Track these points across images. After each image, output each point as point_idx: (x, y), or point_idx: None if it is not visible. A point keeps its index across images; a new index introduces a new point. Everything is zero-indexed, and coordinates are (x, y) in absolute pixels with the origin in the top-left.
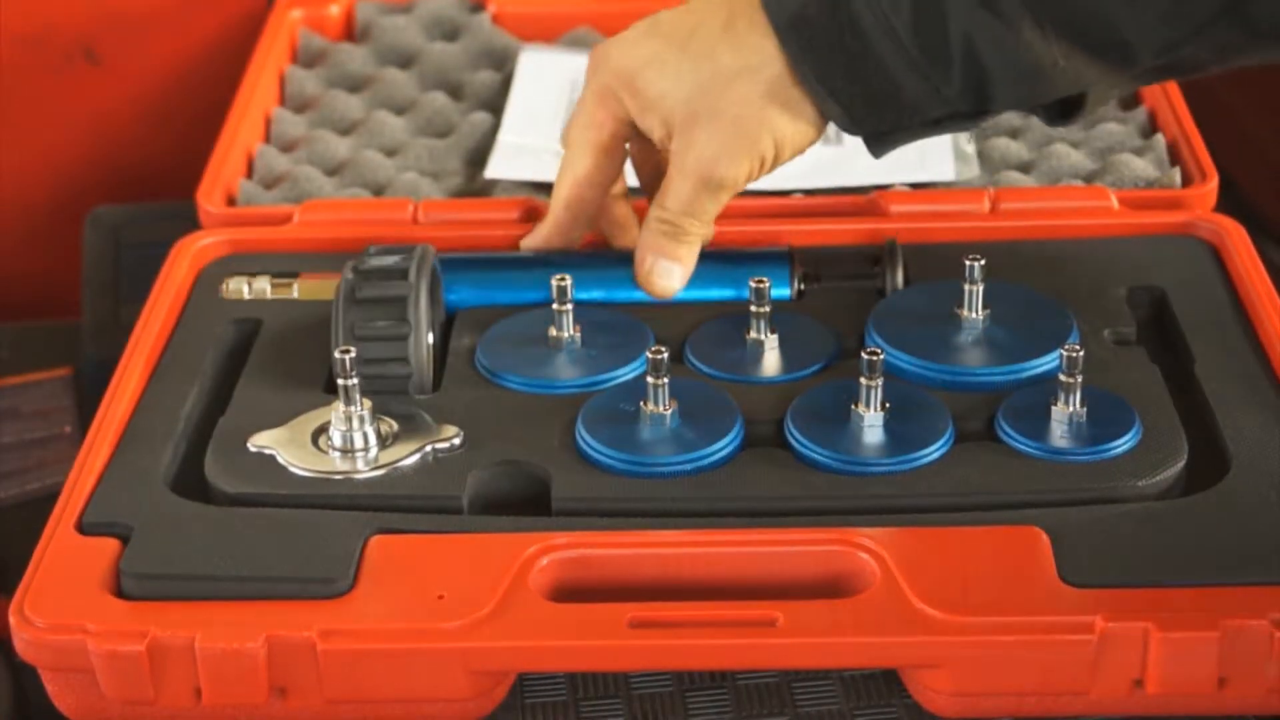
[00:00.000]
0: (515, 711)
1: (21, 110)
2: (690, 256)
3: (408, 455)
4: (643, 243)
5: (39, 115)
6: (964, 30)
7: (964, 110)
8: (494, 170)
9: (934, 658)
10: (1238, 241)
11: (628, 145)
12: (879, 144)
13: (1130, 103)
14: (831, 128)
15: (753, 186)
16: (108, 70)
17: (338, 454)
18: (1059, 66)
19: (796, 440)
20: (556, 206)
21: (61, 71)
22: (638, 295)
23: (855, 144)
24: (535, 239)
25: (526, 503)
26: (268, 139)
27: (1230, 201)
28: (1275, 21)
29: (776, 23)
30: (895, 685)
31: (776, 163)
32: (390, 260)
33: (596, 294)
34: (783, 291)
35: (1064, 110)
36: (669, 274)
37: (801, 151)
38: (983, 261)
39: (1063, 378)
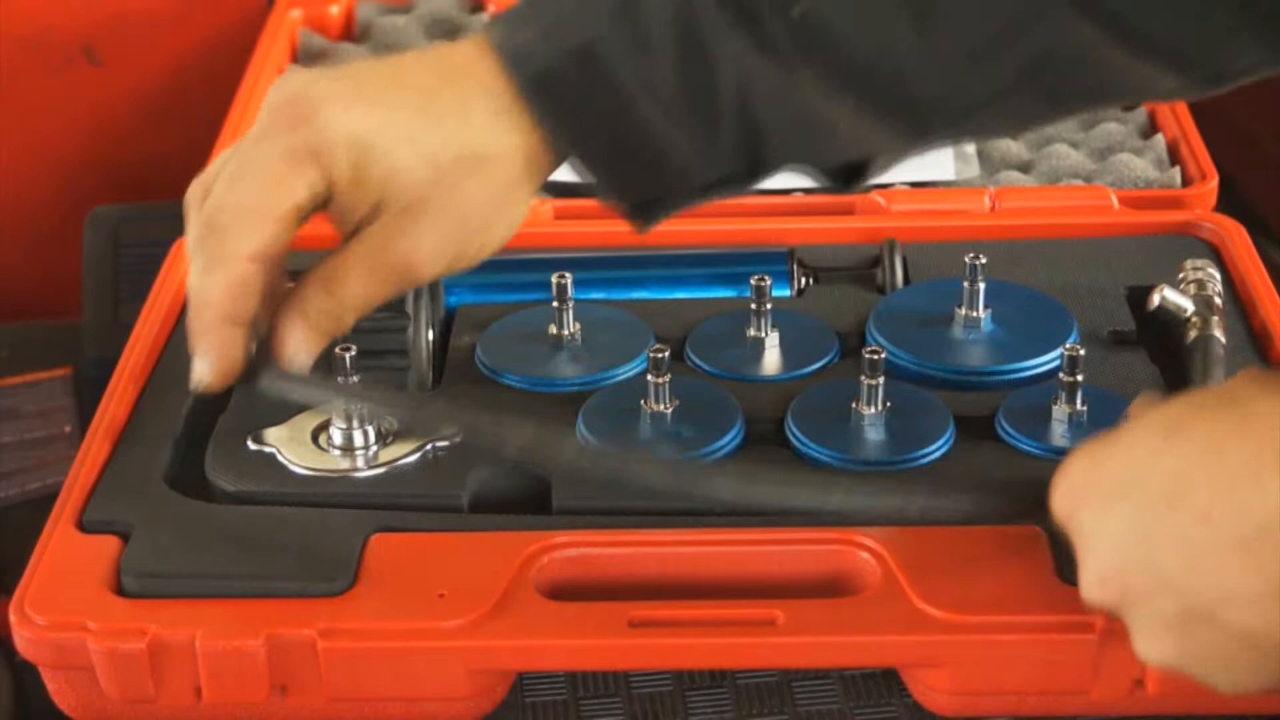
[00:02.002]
0: (515, 710)
1: (21, 110)
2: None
3: (408, 454)
4: (289, 325)
5: (39, 115)
6: (735, 81)
7: (738, 171)
8: None
9: (934, 657)
10: (1238, 241)
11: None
12: (645, 215)
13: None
14: None
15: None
16: (108, 70)
17: (338, 452)
18: (841, 126)
19: (797, 439)
20: (219, 302)
21: (61, 71)
22: (638, 293)
23: None
24: (204, 372)
25: (527, 501)
26: None
27: (1230, 201)
28: (1079, 89)
29: (521, 84)
30: (895, 685)
31: (481, 255)
32: None
33: (596, 292)
34: (783, 290)
35: (847, 175)
36: (309, 360)
37: (501, 245)
38: (983, 260)
39: (1063, 377)
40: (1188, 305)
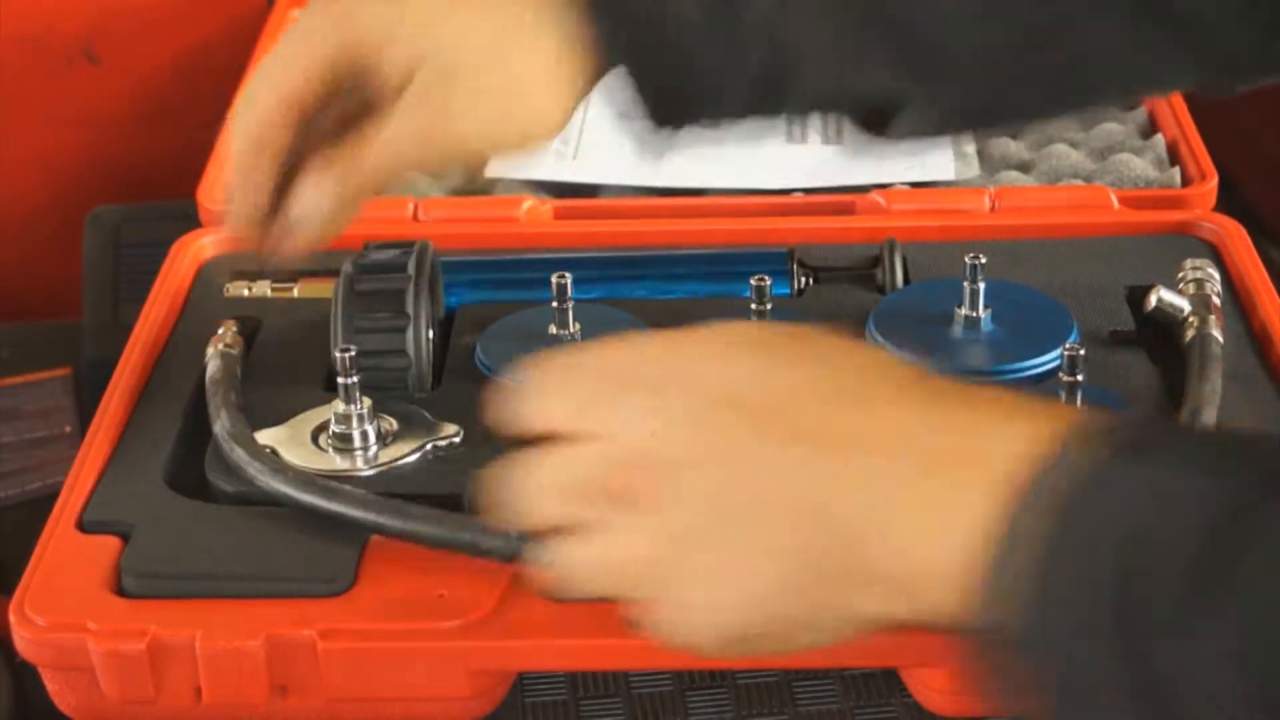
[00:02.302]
0: (515, 711)
1: (21, 110)
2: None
3: (408, 454)
4: (311, 170)
5: (39, 115)
6: (763, 10)
7: (765, 99)
8: (495, 169)
9: (933, 656)
10: (1237, 241)
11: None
12: (671, 118)
13: (1130, 102)
14: (831, 127)
15: (753, 185)
16: (108, 70)
17: (338, 453)
18: (864, 63)
19: None
20: (249, 131)
21: (61, 71)
22: (637, 293)
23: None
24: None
25: None
26: None
27: (1230, 201)
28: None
29: None
30: (895, 685)
31: (522, 143)
32: (389, 254)
33: (596, 292)
34: (783, 290)
35: (872, 120)
36: (313, 208)
37: (544, 139)
38: (983, 260)
39: (1063, 377)
40: (1184, 305)
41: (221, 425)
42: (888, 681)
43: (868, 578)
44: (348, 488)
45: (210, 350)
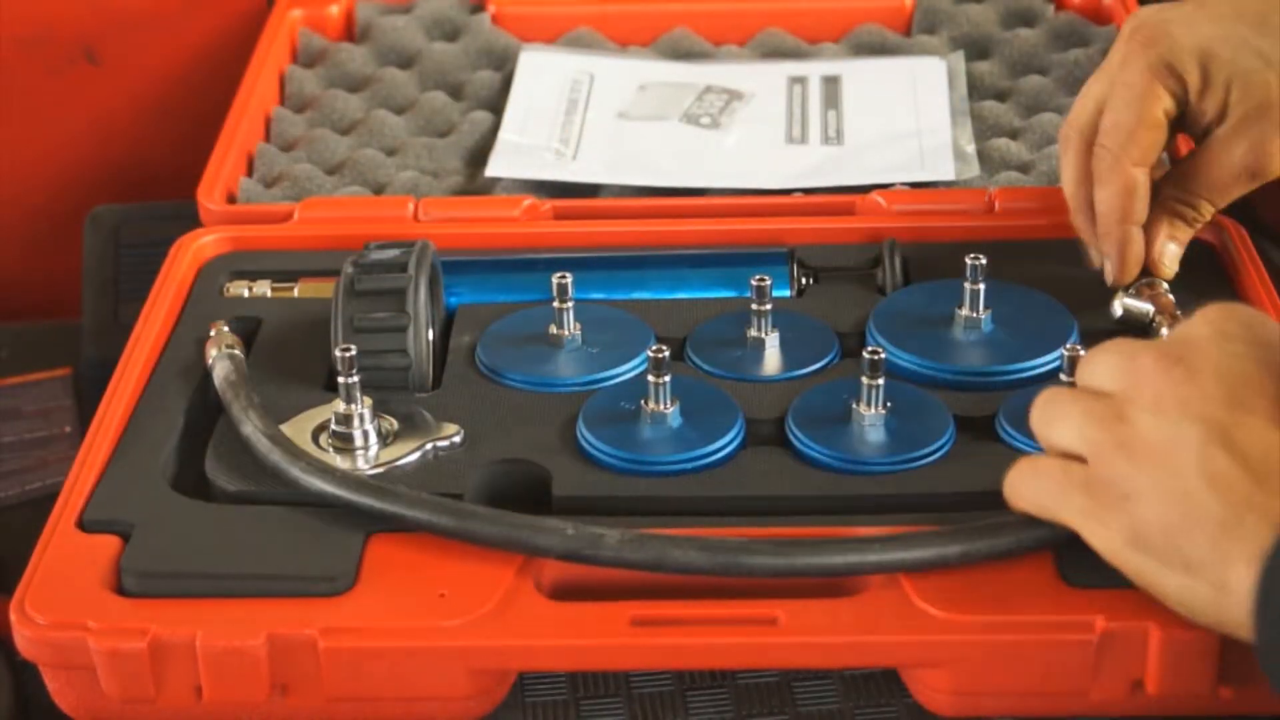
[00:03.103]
0: (515, 710)
1: (21, 110)
2: (1190, 236)
3: (408, 453)
4: (1154, 217)
5: (39, 115)
6: None
7: None
8: (494, 169)
9: (934, 657)
10: (1237, 241)
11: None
12: None
13: None
14: (831, 128)
15: (753, 185)
16: (108, 70)
17: (338, 452)
18: None
19: (797, 439)
20: (1117, 205)
21: (61, 72)
22: (638, 293)
23: (857, 144)
24: (1110, 270)
25: (527, 501)
26: (268, 138)
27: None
28: None
29: None
30: (895, 684)
31: None
32: (390, 254)
33: (596, 292)
34: (783, 290)
35: None
36: (1175, 257)
37: None
38: (984, 261)
39: (1063, 378)
40: (1148, 308)
41: (253, 427)
42: (888, 682)
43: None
44: (401, 488)
45: (213, 352)
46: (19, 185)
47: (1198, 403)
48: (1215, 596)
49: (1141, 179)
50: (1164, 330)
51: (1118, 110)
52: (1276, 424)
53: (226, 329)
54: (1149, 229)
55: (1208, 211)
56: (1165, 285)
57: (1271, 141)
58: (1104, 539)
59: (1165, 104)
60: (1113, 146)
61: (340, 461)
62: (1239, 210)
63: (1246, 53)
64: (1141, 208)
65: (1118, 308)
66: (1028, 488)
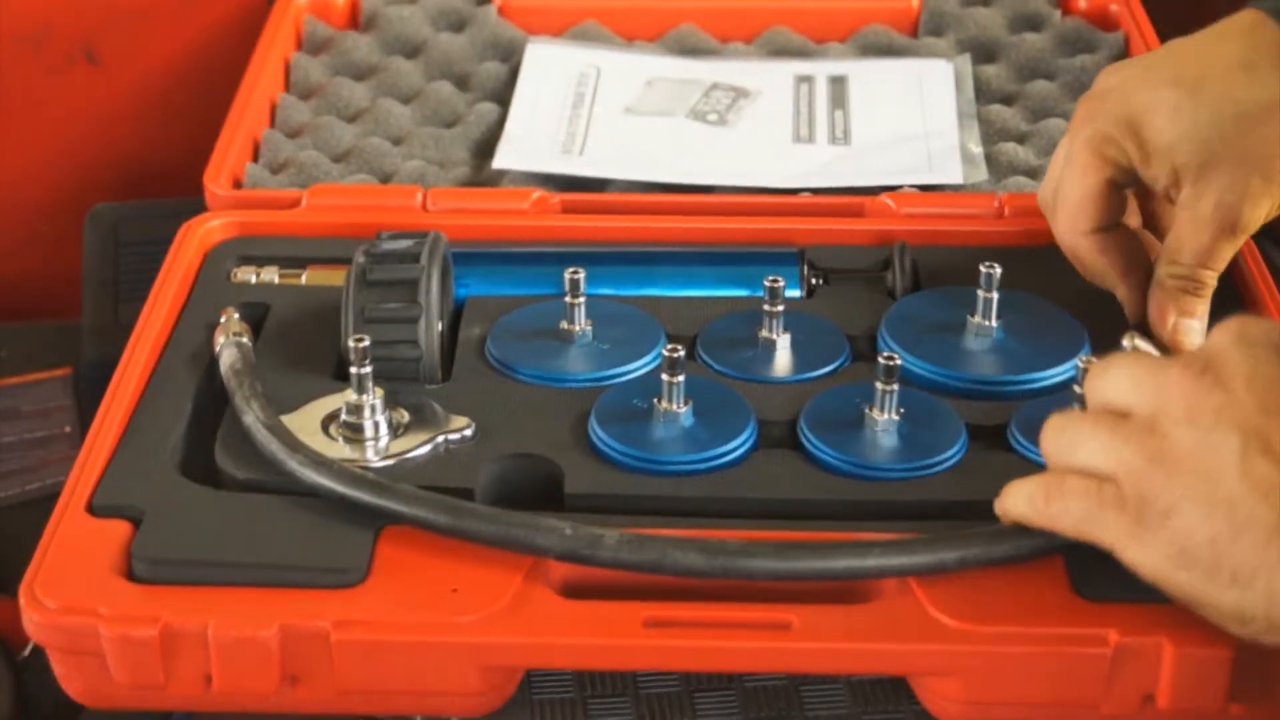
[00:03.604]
0: (523, 708)
1: (21, 110)
2: (1205, 309)
3: (419, 445)
4: (1158, 301)
5: (39, 115)
6: None
7: None
8: (501, 161)
9: (947, 666)
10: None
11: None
12: None
13: None
14: (838, 128)
15: (763, 184)
16: (108, 70)
17: (348, 442)
18: None
19: (810, 442)
20: (1082, 268)
21: (61, 71)
22: (647, 289)
23: (864, 144)
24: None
25: (538, 497)
26: (273, 125)
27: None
28: None
29: None
30: (903, 691)
31: None
32: (402, 245)
33: (606, 288)
34: (792, 290)
35: None
36: (1189, 330)
37: None
38: (999, 270)
39: (1076, 389)
40: (1154, 352)
41: (254, 417)
42: (895, 688)
43: None
44: (399, 485)
45: (220, 339)
46: (19, 185)
47: (1231, 410)
48: (1269, 606)
49: (1089, 244)
50: None
51: (1064, 184)
52: None
53: (237, 316)
54: (1156, 312)
55: (1207, 278)
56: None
57: (1233, 195)
58: (1147, 559)
59: (1107, 174)
60: (1061, 219)
61: (350, 452)
62: None
63: (1181, 119)
64: (1105, 264)
65: (1127, 345)
66: (1057, 509)
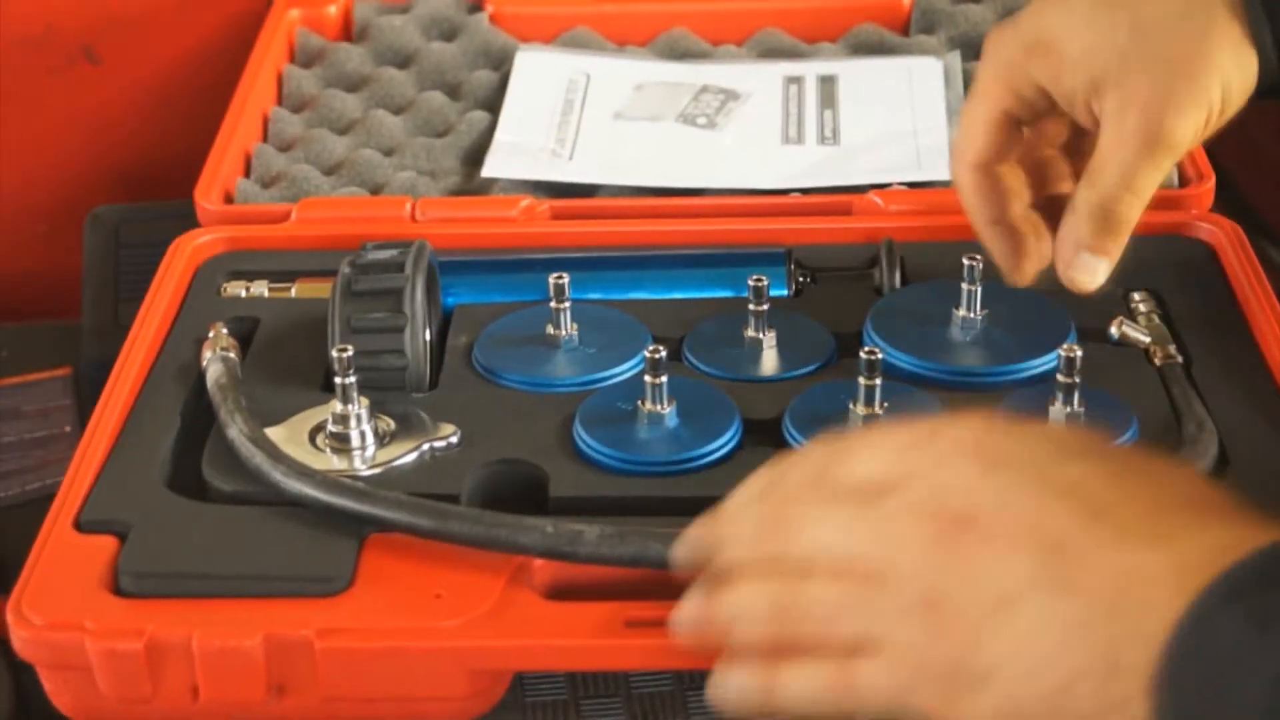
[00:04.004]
0: (515, 710)
1: (22, 110)
2: (1119, 248)
3: (405, 454)
4: (1065, 232)
5: (39, 115)
6: None
7: None
8: (491, 169)
9: None
10: (1234, 241)
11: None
12: None
13: None
14: (827, 128)
15: (750, 185)
16: (108, 70)
17: (335, 453)
18: None
19: (795, 439)
20: (968, 208)
21: (61, 71)
22: (635, 293)
23: (853, 144)
24: (997, 261)
25: (524, 501)
26: (265, 138)
27: (1230, 201)
28: None
29: None
30: None
31: (1222, 117)
32: (387, 254)
33: (593, 292)
34: (780, 290)
35: None
36: (1093, 270)
37: (1241, 104)
38: (981, 262)
39: (1060, 378)
40: (1144, 338)
41: (238, 430)
42: None
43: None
44: (382, 491)
45: (208, 354)
46: (19, 185)
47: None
48: None
49: (975, 179)
50: (1157, 360)
51: (962, 113)
52: (1112, 547)
53: (225, 331)
54: (1061, 242)
55: (1128, 208)
56: (1157, 316)
57: (1156, 101)
58: None
59: (1006, 103)
60: (952, 152)
61: (337, 462)
62: (1238, 211)
63: (1096, 25)
64: (989, 205)
65: (1114, 332)
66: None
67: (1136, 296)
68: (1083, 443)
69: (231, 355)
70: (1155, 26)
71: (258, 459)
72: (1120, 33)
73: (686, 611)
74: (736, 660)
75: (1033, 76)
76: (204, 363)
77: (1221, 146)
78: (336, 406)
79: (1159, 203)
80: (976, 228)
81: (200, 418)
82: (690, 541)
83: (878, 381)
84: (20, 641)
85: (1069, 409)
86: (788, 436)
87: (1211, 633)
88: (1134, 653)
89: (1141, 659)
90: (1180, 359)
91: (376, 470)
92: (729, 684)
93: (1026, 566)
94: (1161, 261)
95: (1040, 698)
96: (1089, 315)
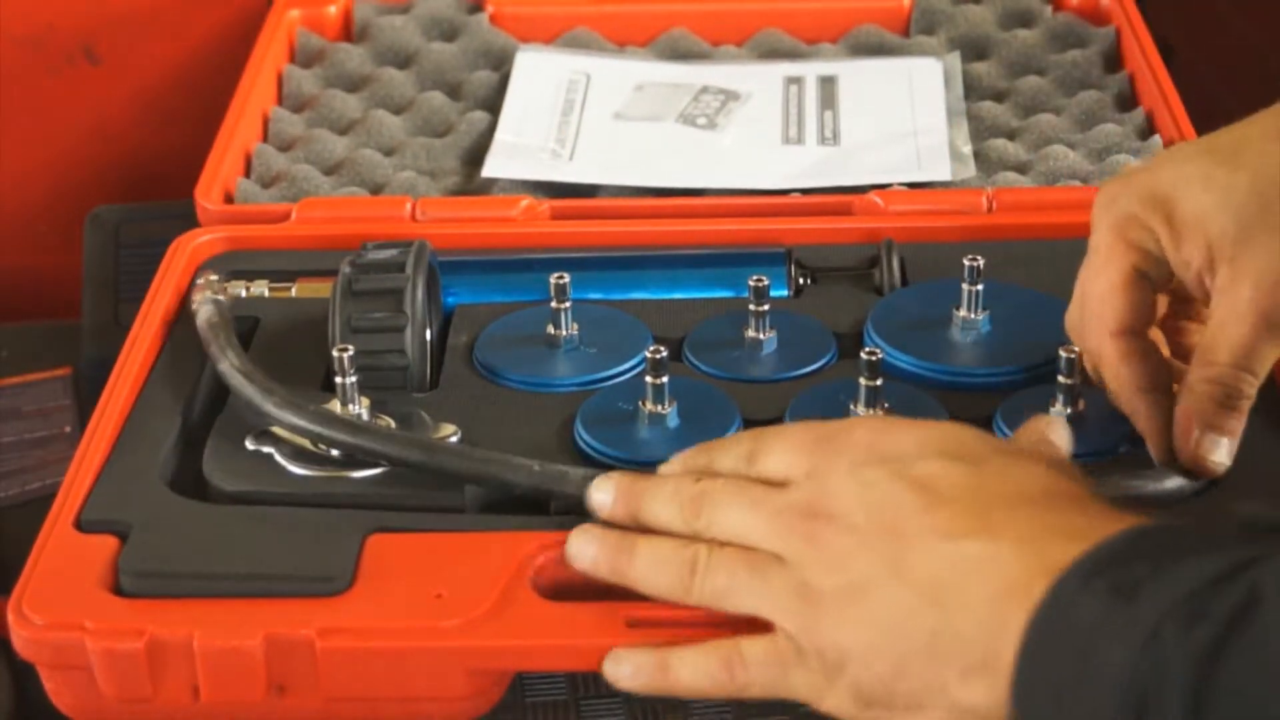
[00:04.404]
0: (516, 710)
1: (21, 110)
2: (1239, 425)
3: None
4: (1185, 410)
5: (39, 115)
6: None
7: None
8: (491, 169)
9: None
10: None
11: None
12: None
13: (1128, 104)
14: (827, 128)
15: (750, 185)
16: (108, 70)
17: (336, 452)
18: None
19: None
20: (1117, 376)
21: (61, 71)
22: (635, 293)
23: (853, 144)
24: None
25: (524, 502)
26: (266, 138)
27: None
28: None
29: None
30: None
31: None
32: (387, 254)
33: (594, 293)
34: (780, 290)
35: None
36: (1219, 449)
37: None
38: (981, 262)
39: (1061, 379)
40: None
41: (229, 364)
42: None
43: (963, 662)
44: (370, 423)
45: (197, 298)
46: (19, 185)
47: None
48: None
49: (1121, 346)
50: None
51: (1086, 278)
52: (943, 537)
53: (215, 277)
54: (1181, 423)
55: (1245, 384)
56: None
57: (1269, 274)
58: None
59: (1133, 259)
60: (1089, 320)
61: (338, 461)
62: None
63: (1213, 187)
64: (1142, 373)
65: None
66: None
67: None
68: (959, 441)
69: (221, 298)
70: (1275, 191)
71: (248, 390)
72: (1240, 194)
73: (589, 544)
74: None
75: (1152, 233)
76: (194, 306)
77: None
78: (337, 406)
79: None
80: (1123, 398)
81: (201, 417)
82: (613, 487)
83: (878, 382)
84: (21, 641)
85: (1069, 410)
86: None
87: (1075, 607)
88: (952, 641)
89: (959, 646)
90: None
91: (377, 470)
92: (623, 663)
93: (870, 556)
94: None
95: (879, 681)
96: None
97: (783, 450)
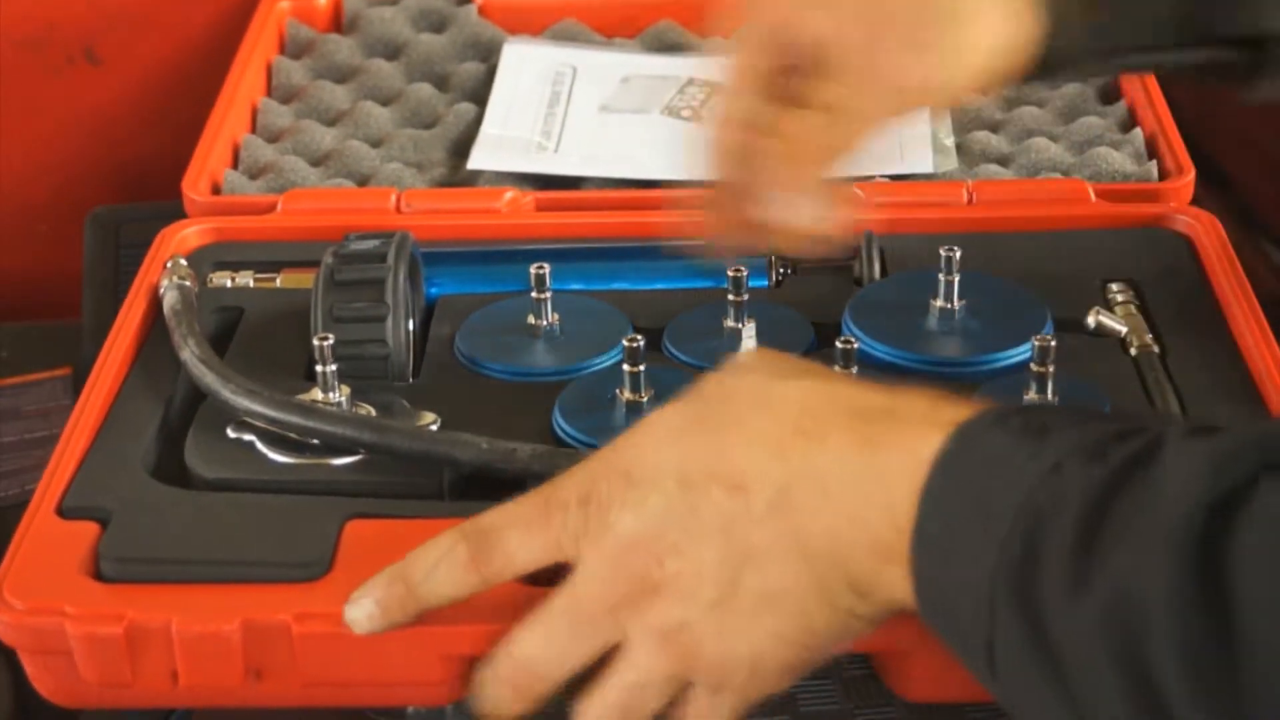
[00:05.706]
0: None
1: (21, 110)
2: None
3: None
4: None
5: (39, 115)
6: None
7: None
8: (476, 161)
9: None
10: (1211, 234)
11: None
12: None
13: (1110, 96)
14: None
15: None
16: (108, 70)
17: (315, 440)
18: None
19: None
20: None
21: (61, 71)
22: (616, 284)
23: None
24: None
25: (503, 489)
26: (254, 129)
27: (1229, 201)
28: None
29: None
30: None
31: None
32: (369, 245)
33: (575, 283)
34: (761, 281)
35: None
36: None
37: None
38: (958, 253)
39: (1034, 368)
40: (1121, 327)
41: (190, 353)
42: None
43: (849, 576)
44: (325, 407)
45: (164, 283)
46: (19, 185)
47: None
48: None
49: (725, 132)
50: (1133, 349)
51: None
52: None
53: (184, 262)
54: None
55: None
56: (1134, 306)
57: (891, 59)
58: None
59: (760, 63)
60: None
61: (318, 449)
62: (1238, 209)
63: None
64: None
65: (1092, 321)
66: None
67: (1114, 287)
68: (833, 394)
69: (187, 284)
70: None
71: (208, 379)
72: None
73: (363, 601)
74: None
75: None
76: (160, 290)
77: (1222, 146)
78: (317, 394)
79: (1138, 195)
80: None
81: (184, 406)
82: (370, 587)
83: (854, 370)
84: (2, 626)
85: (1043, 398)
86: None
87: (983, 442)
88: (816, 540)
89: (826, 546)
90: (1156, 349)
91: (356, 458)
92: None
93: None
94: (1139, 253)
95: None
96: (1066, 305)
97: (656, 443)
